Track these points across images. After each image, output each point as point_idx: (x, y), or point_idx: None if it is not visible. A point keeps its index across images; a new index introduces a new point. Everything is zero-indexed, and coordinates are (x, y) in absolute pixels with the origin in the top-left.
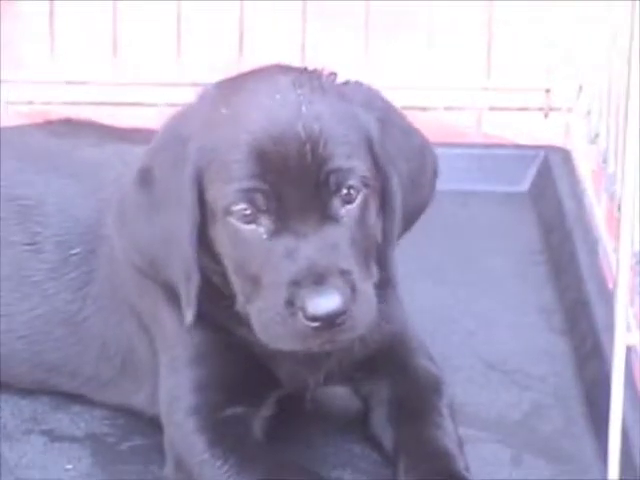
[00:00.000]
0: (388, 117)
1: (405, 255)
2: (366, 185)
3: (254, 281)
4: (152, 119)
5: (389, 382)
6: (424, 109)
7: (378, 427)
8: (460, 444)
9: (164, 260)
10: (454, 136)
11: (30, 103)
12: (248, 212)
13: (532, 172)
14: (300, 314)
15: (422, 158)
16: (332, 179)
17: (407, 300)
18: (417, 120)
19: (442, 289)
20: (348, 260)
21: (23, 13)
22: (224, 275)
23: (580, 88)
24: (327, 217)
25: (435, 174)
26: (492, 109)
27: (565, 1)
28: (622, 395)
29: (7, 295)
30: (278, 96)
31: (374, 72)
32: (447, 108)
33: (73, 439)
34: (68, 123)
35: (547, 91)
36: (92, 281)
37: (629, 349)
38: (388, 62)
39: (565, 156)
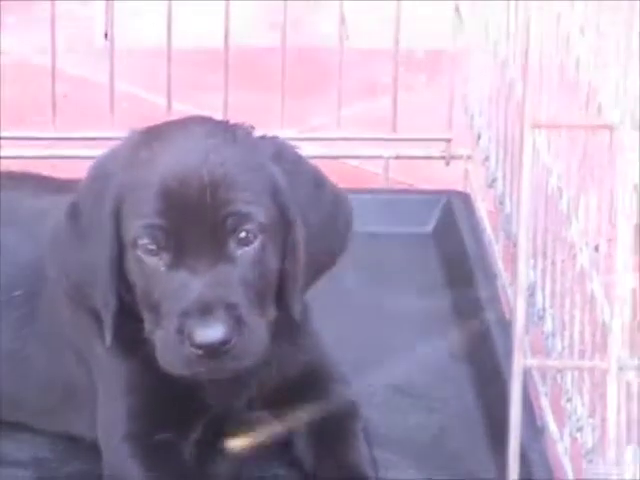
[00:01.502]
0: (297, 170)
1: (321, 291)
2: (264, 231)
3: (155, 310)
4: None
5: (307, 408)
6: (336, 158)
7: (299, 451)
8: (374, 466)
9: (88, 287)
10: (363, 182)
11: None
12: (151, 247)
13: (436, 214)
14: (187, 342)
15: (334, 210)
16: (229, 222)
17: (323, 332)
18: (330, 168)
19: (353, 321)
20: (237, 296)
21: None
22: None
23: (478, 137)
24: (222, 256)
25: (348, 226)
26: (398, 158)
27: (460, 56)
28: (520, 413)
29: None
30: (190, 144)
31: (289, 125)
32: (357, 157)
33: (18, 464)
34: (8, 175)
35: (447, 141)
36: (34, 320)
37: (525, 372)
38: (304, 116)
39: (465, 199)
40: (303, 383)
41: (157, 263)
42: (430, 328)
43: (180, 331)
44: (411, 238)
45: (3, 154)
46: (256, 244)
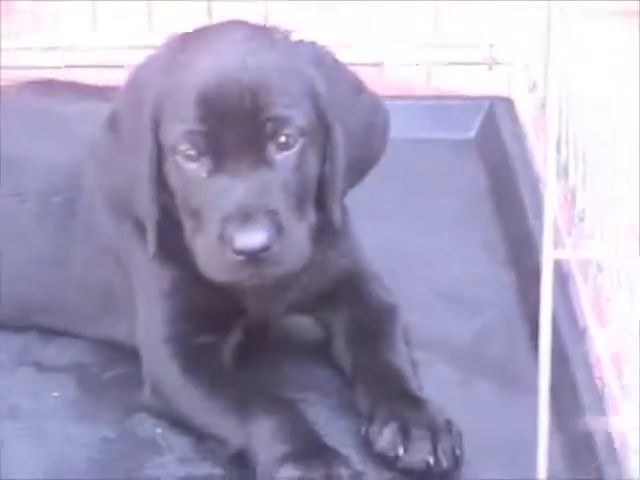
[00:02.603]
0: (336, 75)
1: (362, 197)
2: (303, 135)
3: (196, 217)
4: None
5: (347, 311)
6: (377, 65)
7: (339, 352)
8: (413, 366)
9: (130, 195)
10: (406, 89)
11: (15, 68)
12: (191, 152)
13: (479, 120)
14: (228, 248)
15: (372, 115)
16: (269, 126)
17: (364, 238)
18: (371, 76)
19: (396, 228)
20: (278, 202)
21: None
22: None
23: (519, 43)
24: (262, 161)
25: (386, 131)
26: (440, 64)
27: None
28: (550, 307)
29: None
30: (228, 47)
31: (328, 31)
32: (399, 64)
33: (60, 369)
34: (48, 83)
35: (491, 46)
36: (73, 226)
37: (567, 275)
38: (342, 21)
39: (508, 105)
40: (342, 286)
41: (197, 169)
42: (472, 233)
43: (221, 237)
44: (454, 144)
45: (40, 63)
46: (296, 148)
